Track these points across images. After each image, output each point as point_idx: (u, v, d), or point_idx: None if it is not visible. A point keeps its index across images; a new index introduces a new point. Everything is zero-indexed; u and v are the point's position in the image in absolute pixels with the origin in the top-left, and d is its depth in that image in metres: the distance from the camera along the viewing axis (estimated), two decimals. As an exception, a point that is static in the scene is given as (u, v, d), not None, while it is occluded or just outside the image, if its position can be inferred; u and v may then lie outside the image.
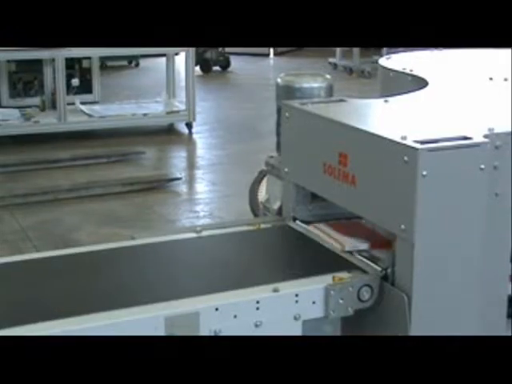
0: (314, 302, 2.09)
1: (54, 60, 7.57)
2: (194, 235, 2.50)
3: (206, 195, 6.04)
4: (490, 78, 3.08)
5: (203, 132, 8.10)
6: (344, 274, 2.17)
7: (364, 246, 2.33)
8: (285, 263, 2.33)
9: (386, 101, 2.66)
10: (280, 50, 13.44)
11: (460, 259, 2.12)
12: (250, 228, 2.58)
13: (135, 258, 2.34)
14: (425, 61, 3.58)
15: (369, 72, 10.97)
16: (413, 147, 2.01)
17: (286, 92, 2.86)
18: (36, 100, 8.12)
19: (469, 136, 2.10)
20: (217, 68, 12.04)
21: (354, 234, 2.39)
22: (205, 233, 2.51)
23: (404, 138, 2.06)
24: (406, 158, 2.02)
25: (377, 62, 3.77)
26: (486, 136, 2.12)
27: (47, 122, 7.52)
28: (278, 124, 2.83)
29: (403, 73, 3.28)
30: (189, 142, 7.87)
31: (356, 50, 11.26)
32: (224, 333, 1.99)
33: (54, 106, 7.76)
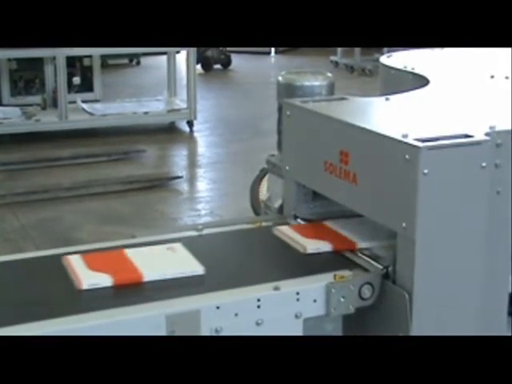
0: (315, 300, 2.09)
1: (55, 58, 7.59)
2: (195, 233, 2.50)
3: (206, 193, 6.05)
4: (492, 76, 3.08)
5: (204, 130, 8.11)
6: (345, 272, 2.17)
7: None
8: (286, 261, 2.33)
9: (387, 99, 2.66)
10: (281, 48, 13.44)
11: (461, 257, 2.12)
12: (251, 226, 2.58)
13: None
14: (426, 59, 3.58)
15: (370, 70, 10.98)
16: (414, 145, 2.01)
17: (287, 90, 2.86)
18: (37, 98, 8.14)
19: (470, 134, 2.10)
20: (218, 66, 12.05)
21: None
22: (206, 231, 2.52)
23: (405, 136, 2.06)
24: (407, 156, 2.02)
25: (378, 60, 3.77)
26: (487, 134, 2.12)
27: (48, 121, 7.53)
28: (279, 122, 2.83)
29: (404, 71, 3.28)
30: (190, 141, 7.88)
31: (357, 49, 11.27)
32: (225, 331, 1.99)
33: (55, 104, 7.78)
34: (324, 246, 2.32)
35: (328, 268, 2.19)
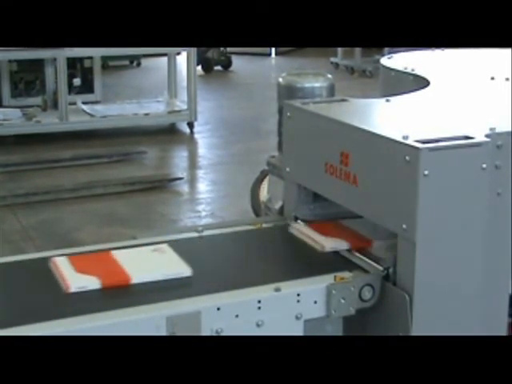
0: (315, 302, 2.09)
1: (55, 59, 7.58)
2: (195, 235, 2.50)
3: (207, 195, 6.05)
4: (492, 78, 3.08)
5: (205, 132, 8.10)
6: (345, 274, 2.17)
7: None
8: (286, 262, 2.33)
9: (387, 100, 2.66)
10: (282, 49, 13.43)
11: (461, 259, 2.12)
12: (252, 227, 2.58)
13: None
14: (426, 60, 3.58)
15: (370, 71, 10.96)
16: (414, 147, 2.01)
17: (288, 92, 2.86)
18: (38, 100, 8.13)
19: (470, 135, 2.11)
20: (218, 68, 12.04)
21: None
22: (206, 232, 2.52)
23: (406, 137, 2.06)
24: (407, 158, 2.02)
25: (378, 62, 3.76)
26: (487, 135, 2.12)
27: (49, 122, 7.52)
28: (280, 124, 2.83)
29: (405, 72, 3.28)
30: (190, 142, 7.88)
31: (358, 50, 11.26)
32: (225, 332, 1.99)
33: (55, 105, 7.77)
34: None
35: (328, 269, 2.20)
